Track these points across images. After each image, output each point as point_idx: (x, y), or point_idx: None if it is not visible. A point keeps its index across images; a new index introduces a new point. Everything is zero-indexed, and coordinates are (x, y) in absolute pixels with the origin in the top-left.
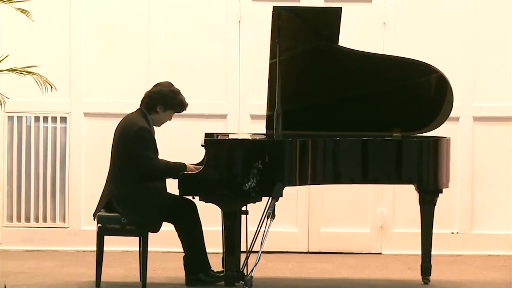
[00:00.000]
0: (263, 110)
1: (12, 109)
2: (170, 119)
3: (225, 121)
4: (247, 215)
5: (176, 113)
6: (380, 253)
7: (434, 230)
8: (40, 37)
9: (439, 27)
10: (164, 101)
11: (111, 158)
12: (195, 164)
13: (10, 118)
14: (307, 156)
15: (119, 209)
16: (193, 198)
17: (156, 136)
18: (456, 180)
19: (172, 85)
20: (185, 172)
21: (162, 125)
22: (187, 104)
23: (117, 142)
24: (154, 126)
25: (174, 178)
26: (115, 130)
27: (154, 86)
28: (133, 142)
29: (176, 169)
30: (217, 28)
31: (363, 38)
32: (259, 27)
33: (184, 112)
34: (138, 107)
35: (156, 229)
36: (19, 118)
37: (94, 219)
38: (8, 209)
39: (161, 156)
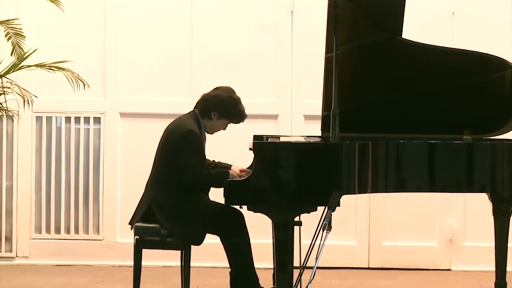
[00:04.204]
0: (318, 110)
1: (40, 109)
2: (224, 129)
3: (276, 122)
4: (301, 227)
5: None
6: (449, 269)
7: (509, 244)
8: (71, 30)
9: None
10: (220, 107)
11: (154, 161)
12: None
13: (39, 119)
14: (367, 161)
15: (159, 217)
16: (241, 207)
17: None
18: None
19: (233, 91)
20: (231, 179)
21: (215, 133)
22: (246, 115)
23: (162, 144)
24: (206, 133)
25: (217, 187)
26: (163, 132)
27: (213, 89)
28: (178, 145)
29: (219, 178)
30: (267, 20)
31: (429, 30)
32: (313, 18)
33: None
34: (193, 108)
35: (198, 241)
36: (49, 119)
37: (131, 229)
38: (37, 220)
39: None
